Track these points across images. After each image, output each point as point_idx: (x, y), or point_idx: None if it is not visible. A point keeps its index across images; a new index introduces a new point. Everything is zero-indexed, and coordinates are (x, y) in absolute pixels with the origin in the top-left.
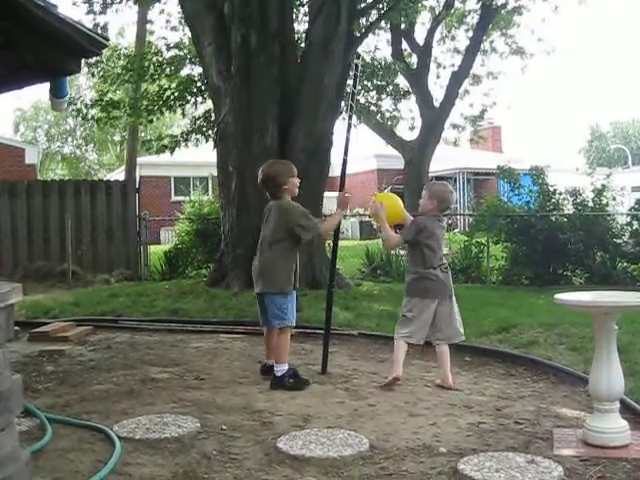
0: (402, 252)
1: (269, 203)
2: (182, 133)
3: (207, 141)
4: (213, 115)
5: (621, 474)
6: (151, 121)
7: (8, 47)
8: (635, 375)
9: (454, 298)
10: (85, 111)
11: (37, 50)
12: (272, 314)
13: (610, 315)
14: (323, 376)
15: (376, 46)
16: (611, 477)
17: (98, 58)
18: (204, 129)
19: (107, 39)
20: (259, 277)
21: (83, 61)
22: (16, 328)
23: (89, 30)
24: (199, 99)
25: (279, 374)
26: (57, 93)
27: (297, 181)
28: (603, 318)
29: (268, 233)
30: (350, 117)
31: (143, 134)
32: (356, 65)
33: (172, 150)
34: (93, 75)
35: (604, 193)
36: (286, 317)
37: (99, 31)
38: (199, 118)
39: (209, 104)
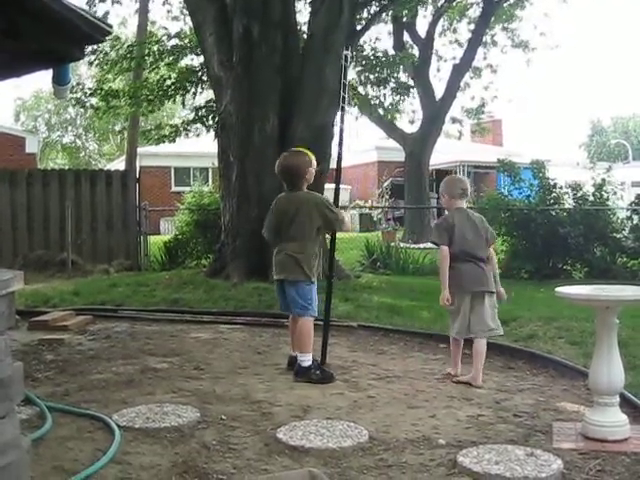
0: (401, 244)
1: (285, 194)
2: (183, 122)
3: (208, 131)
4: (214, 105)
5: (620, 468)
6: (152, 111)
7: (11, 34)
8: (635, 369)
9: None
10: (85, 100)
11: (41, 37)
12: (295, 302)
13: (611, 309)
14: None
15: (377, 37)
16: (610, 471)
17: (99, 47)
18: (205, 119)
19: (110, 26)
20: (285, 266)
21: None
22: (16, 317)
23: (93, 17)
24: (199, 89)
25: (306, 364)
26: (60, 80)
27: (314, 170)
28: (604, 312)
29: (294, 226)
30: (343, 108)
31: (144, 124)
32: (345, 56)
33: (173, 139)
34: (91, 64)
35: (604, 187)
36: (310, 306)
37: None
38: (200, 108)
39: (210, 94)
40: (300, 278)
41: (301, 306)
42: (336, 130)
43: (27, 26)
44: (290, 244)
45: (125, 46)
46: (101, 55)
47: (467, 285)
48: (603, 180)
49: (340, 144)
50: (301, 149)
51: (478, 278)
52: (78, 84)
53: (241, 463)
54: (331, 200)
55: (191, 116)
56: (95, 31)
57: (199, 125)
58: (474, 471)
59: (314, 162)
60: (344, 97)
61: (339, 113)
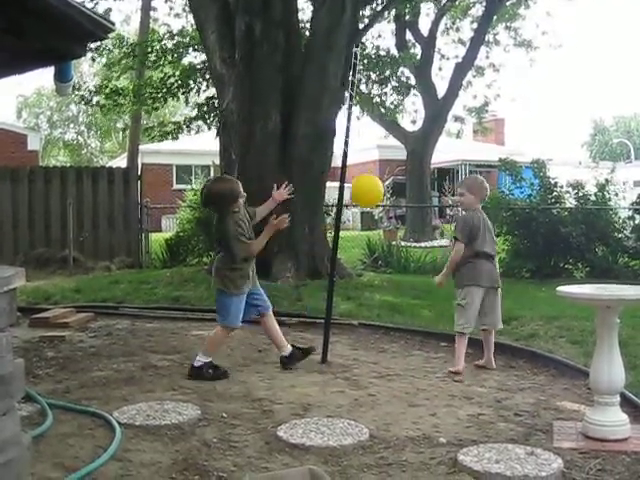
0: (403, 243)
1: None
2: (185, 119)
3: (209, 128)
4: (216, 103)
5: (620, 467)
6: (156, 109)
7: (14, 31)
8: (635, 369)
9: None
10: (89, 97)
11: (42, 34)
12: (217, 309)
13: (612, 308)
14: (323, 365)
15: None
16: (611, 470)
17: (102, 44)
18: (206, 116)
19: (113, 23)
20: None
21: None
22: (17, 314)
23: (95, 14)
24: (202, 87)
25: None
26: (62, 77)
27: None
28: (605, 311)
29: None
30: (350, 106)
31: (146, 122)
32: (355, 54)
33: (175, 136)
34: (94, 60)
35: (607, 188)
36: (227, 317)
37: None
38: (202, 105)
39: (211, 91)
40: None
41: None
42: (338, 128)
43: (29, 23)
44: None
45: (128, 44)
46: (104, 52)
47: (484, 281)
48: (606, 180)
49: (346, 143)
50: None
51: (493, 275)
52: (84, 83)
53: (242, 461)
54: (333, 198)
55: (193, 113)
56: (97, 28)
57: (200, 122)
58: (474, 470)
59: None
60: (351, 95)
61: (346, 111)
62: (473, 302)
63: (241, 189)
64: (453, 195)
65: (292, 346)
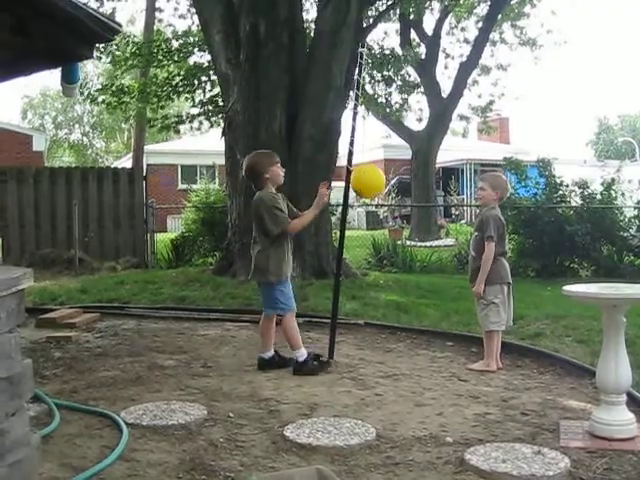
0: (408, 242)
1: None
2: (187, 115)
3: (212, 126)
4: (221, 103)
5: (627, 466)
6: (161, 107)
7: (20, 32)
8: None
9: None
10: (95, 96)
11: (50, 35)
12: (266, 303)
13: (619, 307)
14: (330, 360)
15: (385, 32)
16: (617, 469)
17: (109, 44)
18: (210, 114)
19: (120, 25)
20: (253, 267)
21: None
22: (25, 315)
23: (102, 15)
24: (207, 86)
25: (301, 359)
26: (69, 79)
27: (281, 170)
28: (612, 310)
29: (253, 227)
30: (356, 106)
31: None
32: (361, 53)
33: (177, 129)
34: (100, 59)
35: (613, 187)
36: (278, 304)
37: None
38: (205, 103)
39: (216, 90)
40: (263, 280)
41: (270, 305)
42: (342, 128)
43: (36, 24)
44: (253, 247)
45: (134, 44)
46: (110, 53)
47: (507, 277)
48: (612, 180)
49: (352, 142)
50: (264, 150)
51: (509, 271)
52: (89, 82)
53: (248, 461)
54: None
55: (195, 111)
56: (104, 29)
57: (203, 119)
58: (481, 469)
59: (276, 160)
60: (357, 95)
61: (352, 111)
62: (505, 299)
63: (272, 159)
64: (458, 195)
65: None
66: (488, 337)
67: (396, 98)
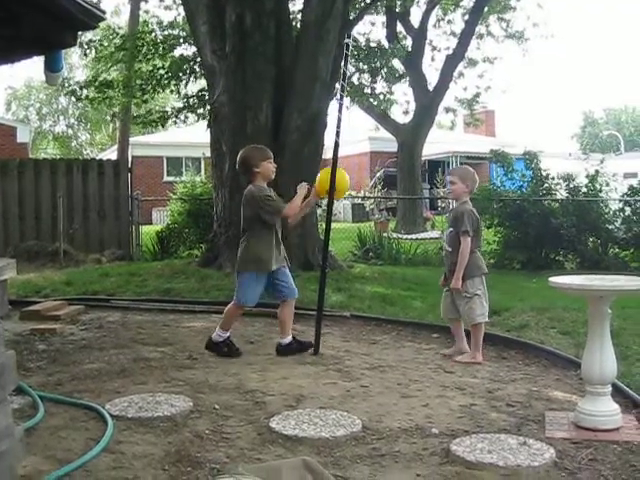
0: (394, 235)
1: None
2: (173, 109)
3: (198, 120)
4: (207, 94)
5: (612, 457)
6: (145, 101)
7: (4, 20)
8: (626, 359)
9: None
10: (79, 92)
11: (34, 23)
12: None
13: (604, 299)
14: (315, 357)
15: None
16: (602, 460)
17: (92, 37)
18: (196, 107)
19: (104, 12)
20: (238, 259)
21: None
22: (8, 306)
23: (86, 3)
24: (192, 78)
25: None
26: (52, 67)
27: (272, 165)
28: (597, 302)
29: (242, 220)
30: (342, 97)
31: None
32: (347, 44)
33: (163, 123)
34: (86, 55)
35: (597, 179)
36: (238, 293)
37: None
38: (191, 96)
39: (202, 83)
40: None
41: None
42: (329, 119)
43: (19, 12)
44: (241, 240)
45: (118, 37)
46: (95, 46)
47: (484, 268)
48: (596, 171)
49: (337, 133)
50: (257, 145)
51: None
52: (73, 78)
53: (234, 452)
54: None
55: (180, 105)
56: (88, 17)
57: (189, 113)
58: (467, 460)
59: (268, 155)
60: (343, 86)
61: (338, 102)
62: (485, 290)
63: (265, 154)
64: (444, 187)
65: (293, 338)
66: (476, 329)
67: (381, 89)
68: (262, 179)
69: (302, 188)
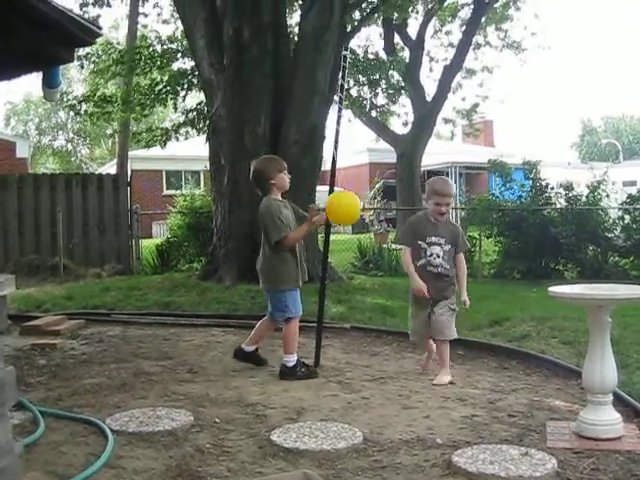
0: (394, 246)
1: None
2: (173, 125)
3: (199, 134)
4: (205, 108)
5: (614, 466)
6: (145, 115)
7: (2, 35)
8: (627, 368)
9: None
10: (78, 107)
11: (31, 39)
12: (274, 308)
13: (604, 308)
14: (316, 369)
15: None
16: (604, 469)
17: (90, 51)
18: (195, 121)
19: (100, 28)
20: (260, 274)
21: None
22: (8, 321)
23: (83, 19)
24: (190, 92)
25: (290, 364)
26: (50, 83)
27: (287, 176)
28: (597, 311)
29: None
30: (340, 109)
31: (135, 128)
32: (344, 56)
33: (164, 143)
34: (82, 67)
35: (599, 189)
36: (287, 310)
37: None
38: (191, 110)
39: (201, 97)
40: (271, 287)
41: (278, 309)
42: (327, 131)
43: (17, 28)
44: (260, 253)
45: (117, 51)
46: (93, 60)
47: None
48: (598, 182)
49: (336, 146)
50: (272, 155)
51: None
52: (71, 92)
53: (235, 466)
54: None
55: (181, 119)
56: (85, 33)
57: (189, 128)
58: (469, 471)
59: (283, 166)
60: (341, 98)
61: (336, 114)
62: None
63: (280, 165)
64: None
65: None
66: (447, 346)
67: (381, 101)
68: (277, 190)
69: (313, 212)
